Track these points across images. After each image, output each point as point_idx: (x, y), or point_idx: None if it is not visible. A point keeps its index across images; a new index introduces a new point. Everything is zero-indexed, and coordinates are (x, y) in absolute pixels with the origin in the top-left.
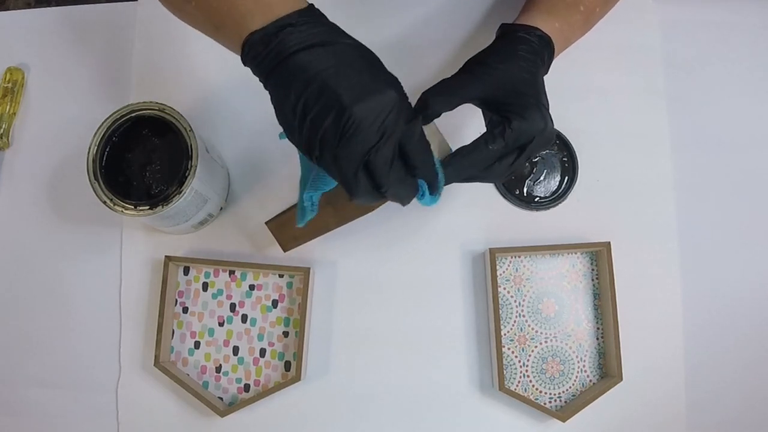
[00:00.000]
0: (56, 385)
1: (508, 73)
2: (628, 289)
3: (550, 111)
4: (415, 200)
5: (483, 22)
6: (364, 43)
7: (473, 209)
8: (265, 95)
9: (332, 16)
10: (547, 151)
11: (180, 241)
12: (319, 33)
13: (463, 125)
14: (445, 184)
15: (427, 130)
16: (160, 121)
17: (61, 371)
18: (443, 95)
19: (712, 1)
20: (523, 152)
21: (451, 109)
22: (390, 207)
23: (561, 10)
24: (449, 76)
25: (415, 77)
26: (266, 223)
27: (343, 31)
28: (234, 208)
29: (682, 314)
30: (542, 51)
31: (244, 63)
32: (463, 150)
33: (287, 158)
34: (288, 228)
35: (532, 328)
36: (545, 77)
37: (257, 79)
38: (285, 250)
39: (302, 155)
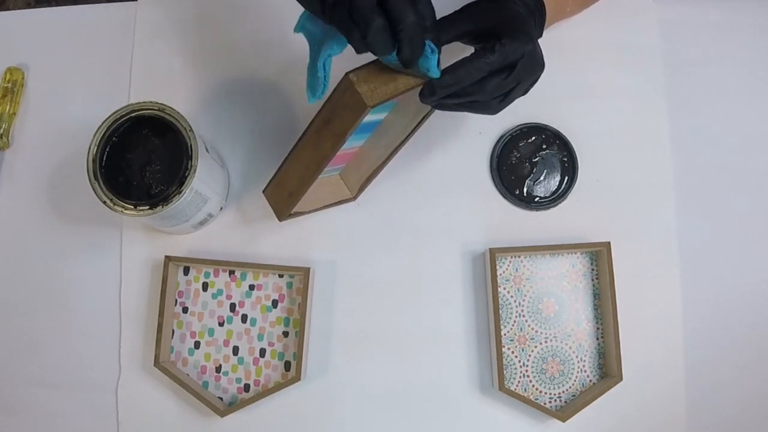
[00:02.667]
0: (56, 385)
1: (500, 11)
2: (628, 289)
3: (551, 111)
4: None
5: None
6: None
7: (473, 209)
8: (265, 95)
9: None
10: (547, 150)
11: (180, 241)
12: None
13: None
14: (443, 95)
15: None
16: (160, 121)
17: (61, 371)
18: (443, 25)
19: (712, 1)
20: (513, 70)
21: (445, 43)
22: (390, 207)
23: None
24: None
25: None
26: (263, 191)
27: None
28: (234, 208)
29: (681, 314)
30: (533, 11)
31: None
32: (457, 61)
33: None
34: (284, 189)
35: (532, 328)
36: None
37: (257, 79)
38: (281, 218)
39: (312, 31)
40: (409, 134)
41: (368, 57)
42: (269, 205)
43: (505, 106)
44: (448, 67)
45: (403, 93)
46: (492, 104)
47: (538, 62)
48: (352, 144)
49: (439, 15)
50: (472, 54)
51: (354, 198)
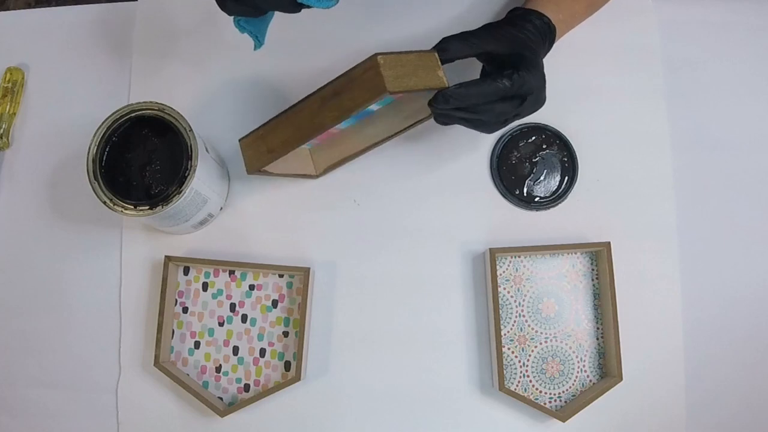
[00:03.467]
0: (56, 385)
1: (518, 38)
2: (628, 289)
3: (551, 111)
4: None
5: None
6: (377, 41)
7: (473, 209)
8: (265, 95)
9: (348, 13)
10: (547, 150)
11: (180, 241)
12: None
13: None
14: (455, 106)
15: (430, 59)
16: (159, 121)
17: (61, 371)
18: (462, 42)
19: (712, 1)
20: (524, 102)
21: (465, 56)
22: (390, 207)
23: (567, 2)
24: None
25: None
26: (240, 139)
27: None
28: (234, 208)
29: (681, 314)
30: (546, 35)
31: None
32: (476, 79)
33: None
34: (264, 144)
35: (532, 328)
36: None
37: (258, 79)
38: (250, 171)
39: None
40: (395, 134)
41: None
42: (242, 154)
43: (499, 129)
44: (466, 82)
45: (422, 91)
46: (492, 126)
47: (541, 100)
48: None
49: (455, 18)
50: (489, 76)
51: (317, 176)
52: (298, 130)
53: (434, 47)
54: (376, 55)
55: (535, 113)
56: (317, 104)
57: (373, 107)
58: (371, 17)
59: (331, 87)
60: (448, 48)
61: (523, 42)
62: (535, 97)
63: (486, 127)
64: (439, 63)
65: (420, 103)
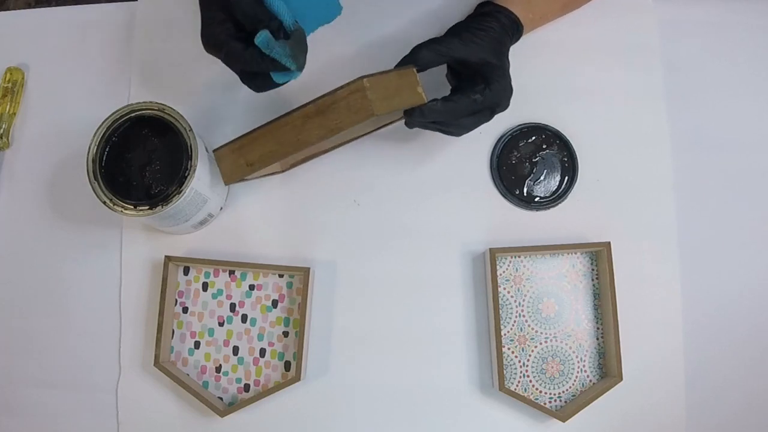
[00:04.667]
0: (56, 385)
1: (487, 44)
2: (628, 289)
3: (551, 111)
4: None
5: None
6: (363, 39)
7: (473, 209)
8: (265, 95)
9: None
10: (547, 150)
11: (180, 241)
12: None
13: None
14: (430, 120)
15: (410, 77)
16: (159, 121)
17: (61, 371)
18: (433, 51)
19: (712, 1)
20: (493, 113)
21: (437, 65)
22: (390, 207)
23: (539, 2)
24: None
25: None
26: (215, 150)
27: None
28: (234, 208)
29: (681, 314)
30: (512, 33)
31: None
32: (449, 97)
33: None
34: (243, 157)
35: (532, 328)
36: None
37: None
38: (227, 182)
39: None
40: (362, 135)
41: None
42: (217, 165)
43: (467, 133)
44: (442, 98)
45: (399, 109)
46: (461, 132)
47: (507, 105)
48: None
49: (439, 13)
50: (462, 91)
51: (281, 171)
52: (279, 146)
53: (406, 57)
54: (361, 78)
55: (535, 115)
56: (300, 121)
57: None
58: (370, 11)
59: (314, 105)
60: (419, 58)
61: (490, 46)
62: (503, 106)
63: (455, 134)
64: (418, 79)
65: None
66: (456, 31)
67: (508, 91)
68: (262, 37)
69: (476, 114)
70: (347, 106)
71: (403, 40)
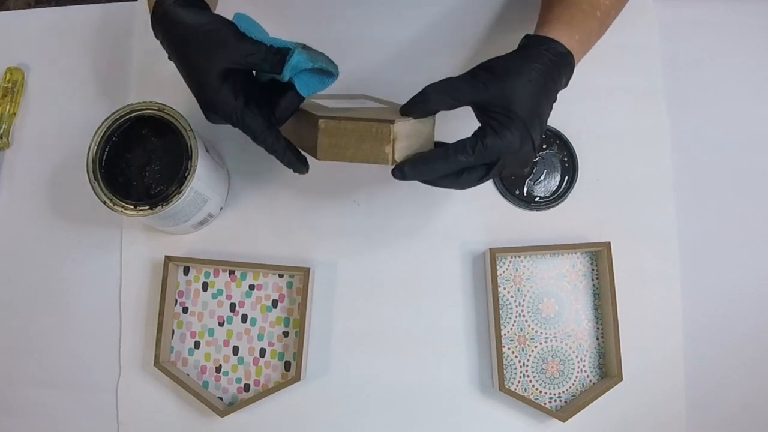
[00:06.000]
0: (56, 385)
1: (508, 87)
2: (628, 289)
3: (551, 113)
4: None
5: (495, 23)
6: (374, 41)
7: (473, 209)
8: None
9: (345, 14)
10: (547, 150)
11: (180, 241)
12: None
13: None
14: (412, 180)
15: (426, 123)
16: (159, 121)
17: (61, 371)
18: (443, 94)
19: (712, 1)
20: (491, 170)
21: (449, 109)
22: (390, 207)
23: (579, 19)
24: (457, 75)
25: (424, 77)
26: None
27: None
28: (234, 208)
29: (681, 314)
30: (560, 66)
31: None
32: (429, 154)
33: None
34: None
35: (532, 328)
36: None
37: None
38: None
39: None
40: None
41: None
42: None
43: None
44: (427, 153)
45: (358, 162)
46: (464, 186)
47: (524, 162)
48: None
49: (453, 17)
50: (447, 147)
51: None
52: (294, 133)
53: (416, 98)
54: (319, 118)
55: None
56: (304, 121)
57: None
58: (382, 13)
59: (306, 116)
60: (429, 99)
61: (514, 91)
62: (511, 159)
63: (457, 187)
64: (393, 137)
65: None
66: (477, 69)
67: (513, 142)
68: (298, 56)
69: (471, 171)
70: (306, 136)
71: (416, 44)
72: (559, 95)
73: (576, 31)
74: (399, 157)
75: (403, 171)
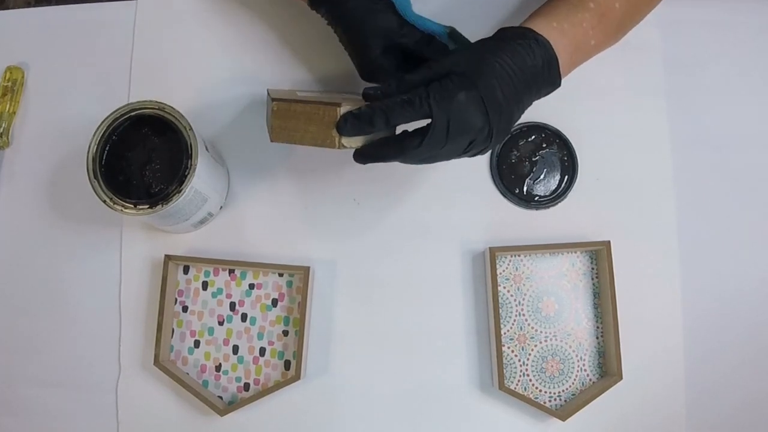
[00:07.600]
0: (56, 385)
1: (451, 56)
2: (628, 288)
3: (551, 110)
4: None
5: (496, 23)
6: None
7: (473, 209)
8: (265, 94)
9: None
10: (547, 149)
11: (180, 240)
12: None
13: None
14: (371, 163)
15: (330, 113)
16: (159, 120)
17: (61, 371)
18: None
19: (712, 1)
20: (433, 130)
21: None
22: (390, 206)
23: (561, 10)
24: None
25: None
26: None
27: None
28: (234, 207)
29: (681, 313)
30: (516, 38)
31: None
32: (386, 139)
33: (287, 157)
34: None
35: (532, 327)
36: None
37: (257, 77)
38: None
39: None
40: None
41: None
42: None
43: (457, 158)
44: (380, 140)
45: (308, 145)
46: (445, 158)
47: (475, 122)
48: None
49: (443, 14)
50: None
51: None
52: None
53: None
54: (273, 100)
55: (535, 114)
56: (287, 107)
57: None
58: None
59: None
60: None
61: (454, 58)
62: (450, 117)
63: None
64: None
65: None
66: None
67: (467, 104)
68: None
69: (413, 135)
70: (272, 120)
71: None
72: (559, 94)
73: (553, 19)
74: (347, 142)
75: (363, 153)
